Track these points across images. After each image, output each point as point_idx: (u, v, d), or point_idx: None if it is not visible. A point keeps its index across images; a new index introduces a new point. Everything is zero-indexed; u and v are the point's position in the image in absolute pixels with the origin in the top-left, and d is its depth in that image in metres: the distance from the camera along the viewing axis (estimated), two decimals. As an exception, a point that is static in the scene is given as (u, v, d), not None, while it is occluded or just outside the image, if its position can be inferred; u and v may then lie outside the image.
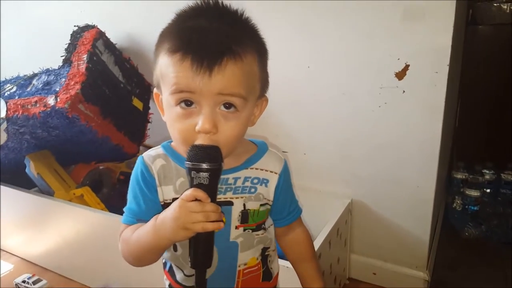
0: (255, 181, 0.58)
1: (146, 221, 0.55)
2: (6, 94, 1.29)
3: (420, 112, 1.03)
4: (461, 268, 1.26)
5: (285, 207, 0.63)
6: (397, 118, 1.06)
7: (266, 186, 0.59)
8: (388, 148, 1.10)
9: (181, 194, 0.51)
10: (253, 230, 0.59)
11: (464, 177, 1.45)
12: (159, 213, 0.54)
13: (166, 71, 0.50)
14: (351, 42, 1.06)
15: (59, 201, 1.22)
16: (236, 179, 0.57)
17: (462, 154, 1.58)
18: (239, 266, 0.59)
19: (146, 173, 0.57)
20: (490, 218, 1.38)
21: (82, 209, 1.18)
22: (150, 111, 1.39)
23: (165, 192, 0.56)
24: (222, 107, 0.50)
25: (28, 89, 1.28)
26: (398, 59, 1.01)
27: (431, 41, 0.96)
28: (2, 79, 1.41)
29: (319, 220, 1.08)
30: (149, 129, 1.39)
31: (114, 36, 1.37)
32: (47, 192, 1.28)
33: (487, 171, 1.45)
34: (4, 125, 1.21)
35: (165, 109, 0.53)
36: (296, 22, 1.11)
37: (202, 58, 0.47)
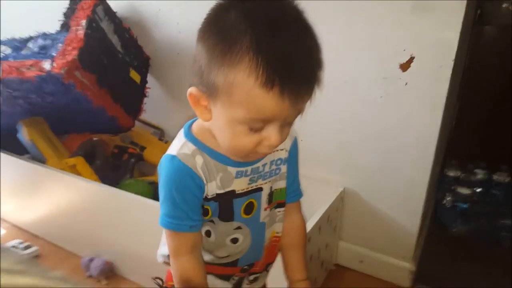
0: (279, 162, 0.60)
1: (198, 228, 0.56)
2: (0, 55, 1.26)
3: (420, 106, 1.02)
4: (447, 262, 1.28)
5: (289, 183, 0.63)
6: (397, 110, 1.05)
7: (285, 163, 0.61)
8: (385, 139, 1.09)
9: (223, 190, 0.56)
10: (275, 207, 0.62)
11: (456, 175, 1.46)
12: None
13: (250, 97, 0.45)
14: (357, 29, 1.04)
15: (52, 169, 1.21)
16: (264, 165, 0.58)
17: (456, 152, 1.59)
18: (265, 242, 0.63)
19: (192, 173, 0.54)
20: (478, 217, 1.40)
21: (74, 179, 1.17)
22: (147, 85, 1.37)
23: (209, 188, 0.56)
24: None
25: (24, 52, 1.24)
26: (404, 50, 1.00)
27: (438, 34, 0.95)
28: (-2, 40, 1.37)
29: (311, 206, 1.07)
30: (145, 103, 1.37)
31: (115, 3, 1.32)
32: (39, 159, 1.27)
33: (480, 171, 1.46)
34: (-3, 87, 1.18)
35: (224, 121, 0.49)
36: (301, 6, 1.08)
37: (299, 91, 0.46)
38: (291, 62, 0.44)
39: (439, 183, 1.47)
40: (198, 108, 0.51)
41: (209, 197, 0.56)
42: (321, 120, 1.16)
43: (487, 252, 1.34)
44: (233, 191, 0.57)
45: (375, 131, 1.10)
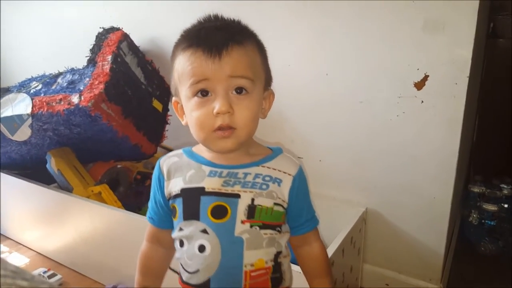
0: (267, 178, 0.59)
1: (159, 225, 0.65)
2: (32, 91, 1.34)
3: (438, 123, 1.02)
4: (476, 283, 1.23)
5: (301, 214, 0.62)
6: (415, 128, 1.06)
7: (279, 185, 0.59)
8: (404, 158, 1.09)
9: (190, 185, 0.58)
10: (261, 228, 0.57)
11: (481, 191, 1.43)
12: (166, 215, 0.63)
13: (182, 69, 0.55)
14: (370, 50, 1.06)
15: (77, 198, 1.25)
16: (246, 174, 0.58)
17: (479, 168, 1.56)
18: (245, 266, 0.57)
19: (158, 170, 0.63)
20: (507, 234, 1.35)
21: (99, 206, 1.20)
22: (168, 113, 1.42)
23: (173, 184, 0.61)
24: (234, 92, 0.55)
25: (53, 87, 1.32)
26: (418, 69, 1.01)
27: (451, 52, 0.96)
28: (29, 77, 1.46)
29: (333, 227, 1.08)
30: (167, 130, 1.41)
31: (138, 39, 1.41)
32: (66, 188, 1.31)
33: (505, 186, 1.42)
34: (29, 121, 1.25)
35: (185, 105, 0.58)
36: (316, 28, 1.13)
37: (210, 46, 0.53)
38: (202, 32, 0.55)
39: (463, 200, 1.44)
40: (180, 115, 0.61)
41: (173, 193, 0.60)
42: (340, 140, 1.17)
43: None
44: (202, 188, 0.58)
45: (394, 150, 1.10)
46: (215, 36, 0.54)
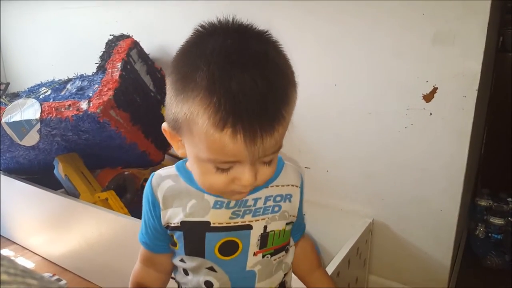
0: (278, 198, 0.54)
1: (154, 250, 0.56)
2: (41, 97, 1.35)
3: (446, 136, 1.02)
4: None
5: (300, 221, 0.60)
6: (423, 140, 1.06)
7: (290, 201, 0.55)
8: (412, 170, 1.09)
9: (192, 219, 0.50)
10: (272, 255, 0.54)
11: (488, 204, 1.42)
12: (162, 240, 0.54)
13: (206, 136, 0.43)
14: (379, 62, 1.07)
15: (84, 203, 1.25)
16: (256, 200, 0.52)
17: (487, 181, 1.55)
18: None
19: (151, 195, 0.53)
20: (513, 248, 1.34)
21: (105, 212, 1.21)
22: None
23: (171, 214, 0.52)
24: (260, 162, 0.46)
25: (62, 93, 1.33)
26: (427, 81, 1.02)
27: (460, 65, 0.97)
28: (38, 82, 1.47)
29: (339, 238, 1.08)
30: (174, 138, 1.42)
31: (147, 46, 1.42)
32: (73, 194, 1.31)
33: (512, 200, 1.42)
34: (38, 126, 1.26)
35: (192, 156, 0.48)
36: (324, 40, 1.13)
37: (255, 131, 0.41)
38: (243, 101, 0.41)
39: (470, 213, 1.43)
40: (174, 142, 0.50)
41: (172, 224, 0.52)
42: (347, 151, 1.17)
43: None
44: (206, 223, 0.50)
45: (401, 161, 1.10)
46: (262, 114, 0.42)
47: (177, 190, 0.52)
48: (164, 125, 0.50)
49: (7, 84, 1.70)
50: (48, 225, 1.41)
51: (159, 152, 1.33)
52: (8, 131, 1.30)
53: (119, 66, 1.23)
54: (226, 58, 0.42)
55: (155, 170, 1.48)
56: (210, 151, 0.43)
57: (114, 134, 1.19)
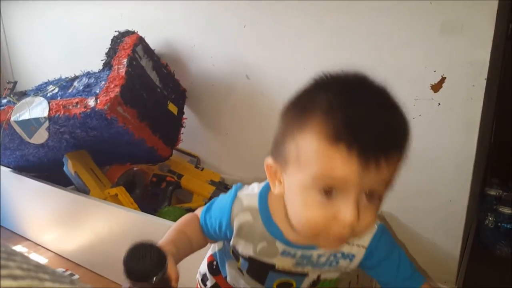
0: (339, 255, 0.55)
1: (208, 234, 0.59)
2: (48, 95, 1.36)
3: (455, 126, 1.02)
4: (491, 286, 1.22)
5: (396, 270, 0.55)
6: (432, 130, 1.05)
7: (350, 260, 0.55)
8: (421, 160, 1.08)
9: (259, 258, 0.54)
10: None
11: (497, 194, 1.41)
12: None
13: (317, 152, 0.42)
14: (387, 52, 1.06)
15: (94, 200, 1.27)
16: (319, 256, 0.54)
17: (496, 170, 1.54)
18: None
19: (227, 218, 0.55)
20: (523, 237, 1.34)
21: (116, 208, 1.22)
22: (184, 116, 1.43)
23: (241, 245, 0.56)
24: (364, 196, 0.44)
25: (70, 91, 1.34)
26: (434, 71, 1.01)
27: (469, 54, 0.95)
28: (45, 80, 1.48)
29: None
30: (182, 133, 1.43)
31: (153, 42, 1.42)
32: (83, 190, 1.33)
33: (522, 189, 1.41)
34: (46, 124, 1.27)
35: (294, 189, 0.46)
36: (331, 30, 1.13)
37: (370, 152, 0.41)
38: (362, 122, 0.41)
39: (480, 203, 1.43)
40: (272, 180, 0.50)
41: (239, 252, 0.56)
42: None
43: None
44: (272, 265, 0.55)
45: (409, 152, 1.09)
46: (378, 141, 0.41)
47: (252, 229, 0.54)
48: (269, 160, 0.50)
49: (15, 82, 1.71)
50: (60, 221, 1.43)
51: (167, 147, 1.33)
52: (18, 129, 1.31)
53: (125, 63, 1.23)
54: (345, 89, 0.43)
55: (164, 166, 1.49)
56: (318, 168, 0.42)
57: (122, 131, 1.19)
